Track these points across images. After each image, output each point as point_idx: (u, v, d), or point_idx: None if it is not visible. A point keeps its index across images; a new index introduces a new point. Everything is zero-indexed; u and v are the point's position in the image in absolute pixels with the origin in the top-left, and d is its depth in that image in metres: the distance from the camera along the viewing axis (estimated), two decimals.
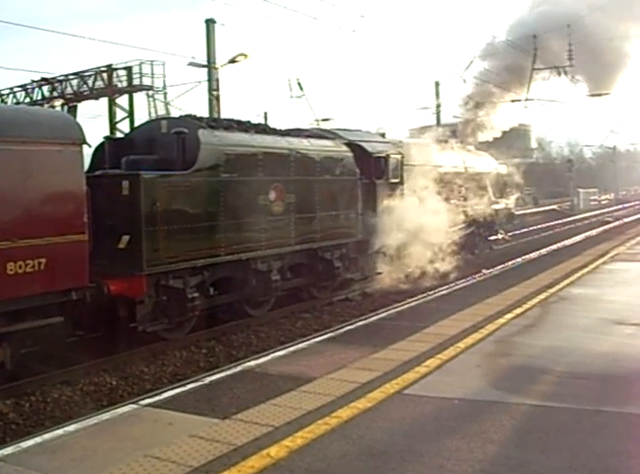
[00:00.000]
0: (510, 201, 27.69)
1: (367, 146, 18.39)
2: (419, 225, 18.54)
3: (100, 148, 13.98)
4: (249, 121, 15.98)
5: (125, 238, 11.66)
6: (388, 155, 18.75)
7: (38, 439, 6.34)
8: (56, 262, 10.13)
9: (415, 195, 19.40)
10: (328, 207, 16.40)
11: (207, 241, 13.11)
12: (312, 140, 16.75)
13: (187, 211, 12.70)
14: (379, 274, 18.69)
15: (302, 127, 19.40)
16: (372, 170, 18.03)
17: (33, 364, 10.60)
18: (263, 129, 15.84)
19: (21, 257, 9.66)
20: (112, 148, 13.86)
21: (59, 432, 6.52)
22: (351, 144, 17.79)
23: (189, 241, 12.70)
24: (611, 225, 36.96)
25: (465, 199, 23.34)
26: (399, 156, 19.23)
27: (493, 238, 26.35)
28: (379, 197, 18.06)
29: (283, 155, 15.21)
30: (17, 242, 9.62)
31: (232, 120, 15.38)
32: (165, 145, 13.22)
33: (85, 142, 10.89)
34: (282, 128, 17.08)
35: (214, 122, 14.65)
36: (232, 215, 13.53)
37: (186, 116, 15.03)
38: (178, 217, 12.46)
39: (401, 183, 19.10)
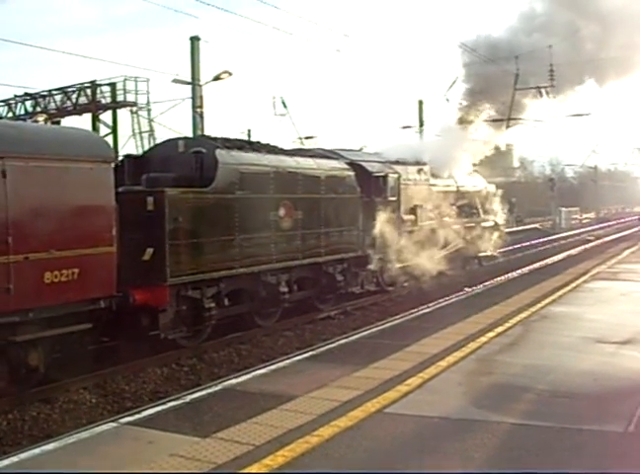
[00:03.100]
0: (498, 219, 28.19)
1: (367, 166, 19.12)
2: (414, 242, 19.94)
3: (119, 166, 14.26)
4: (259, 142, 16.72)
5: (150, 251, 12.28)
6: (387, 174, 19.54)
7: (14, 459, 6.25)
8: (88, 272, 10.79)
9: (411, 212, 20.51)
10: (331, 224, 17.19)
11: (224, 254, 13.85)
12: (317, 160, 17.48)
13: (205, 226, 13.47)
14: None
15: (307, 148, 20.52)
16: (372, 188, 18.84)
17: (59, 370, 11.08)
18: (272, 149, 16.57)
19: (57, 267, 10.30)
20: (131, 166, 14.41)
21: (36, 451, 6.43)
22: (352, 164, 18.57)
23: (207, 254, 13.45)
24: (592, 244, 37.14)
25: (457, 217, 24.02)
26: (396, 175, 20.01)
27: (482, 254, 26.83)
28: (378, 214, 18.76)
29: (292, 174, 15.98)
30: (53, 253, 10.24)
31: (242, 140, 16.17)
32: (183, 164, 13.92)
33: (115, 160, 11.72)
34: (288, 148, 17.95)
35: (228, 142, 15.30)
36: (246, 230, 14.30)
37: (201, 136, 15.73)
38: (198, 232, 13.24)
39: (398, 201, 19.87)
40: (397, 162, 21.12)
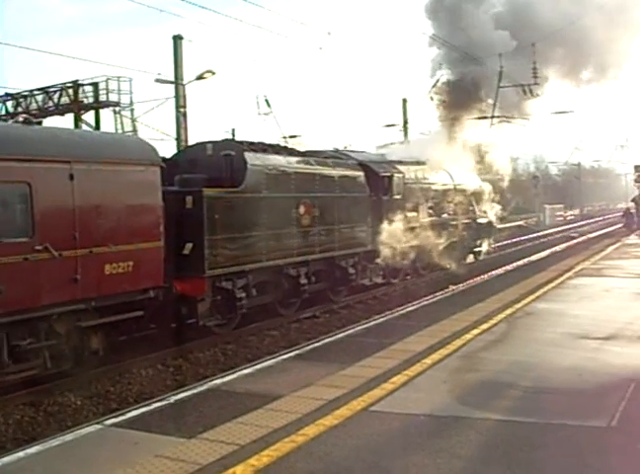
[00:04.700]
0: (492, 216, 29.31)
1: (375, 166, 20.56)
2: (417, 237, 21.63)
3: None
4: (278, 145, 18.21)
5: (189, 245, 13.55)
6: (392, 174, 20.99)
7: None
8: (140, 264, 12.04)
9: (414, 209, 21.94)
10: (344, 221, 18.57)
11: (252, 248, 15.17)
12: (331, 161, 18.91)
13: (237, 223, 14.72)
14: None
15: (319, 150, 21.23)
16: (379, 188, 20.27)
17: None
18: (291, 152, 18.23)
19: (115, 260, 11.58)
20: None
21: (20, 454, 6.40)
22: (361, 164, 20.00)
23: (238, 248, 14.74)
24: (576, 241, 37.35)
25: (454, 214, 25.43)
26: (401, 175, 21.47)
27: (477, 249, 28.21)
28: (385, 211, 20.22)
29: (310, 175, 17.44)
30: (112, 248, 11.51)
31: (264, 144, 17.41)
32: (212, 165, 15.10)
33: (162, 164, 12.83)
34: (304, 150, 19.36)
35: (252, 145, 16.48)
36: (271, 226, 15.67)
37: (226, 139, 17.13)
38: (230, 228, 14.48)
39: (403, 199, 21.32)
40: (400, 162, 22.31)
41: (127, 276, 11.78)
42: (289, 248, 16.35)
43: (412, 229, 21.32)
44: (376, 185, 20.07)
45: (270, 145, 17.56)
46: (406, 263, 21.45)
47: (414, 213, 21.94)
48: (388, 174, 20.79)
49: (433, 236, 22.65)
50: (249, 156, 15.31)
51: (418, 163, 23.49)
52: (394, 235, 20.08)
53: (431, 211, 23.44)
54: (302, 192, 16.87)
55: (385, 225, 19.95)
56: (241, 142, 16.37)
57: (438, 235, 23.04)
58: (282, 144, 21.89)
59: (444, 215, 24.54)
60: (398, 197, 21.00)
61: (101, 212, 11.41)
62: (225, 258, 14.30)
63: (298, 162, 17.28)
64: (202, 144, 16.62)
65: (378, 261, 20.00)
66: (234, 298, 14.75)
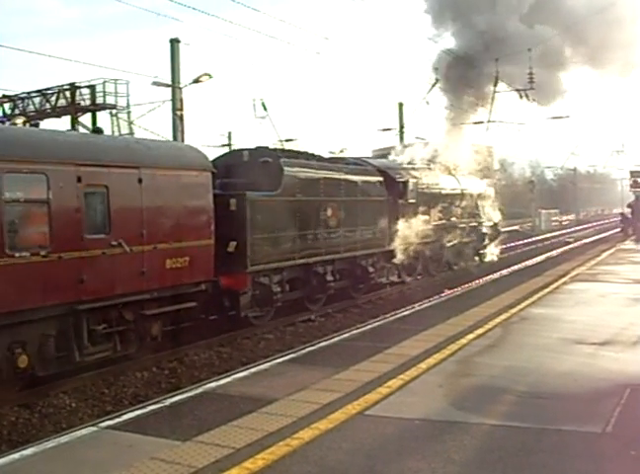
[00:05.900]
0: (496, 219, 30.34)
1: (392, 172, 21.94)
2: (429, 239, 22.89)
3: None
4: (307, 152, 19.36)
5: (233, 243, 14.77)
6: (407, 180, 22.35)
7: None
8: (195, 260, 13.38)
9: (426, 212, 22.97)
10: (365, 222, 19.94)
11: (287, 247, 16.53)
12: (353, 168, 20.33)
13: (274, 224, 16.08)
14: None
15: (342, 156, 22.92)
16: (396, 192, 21.60)
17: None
18: (319, 159, 19.54)
19: (174, 255, 12.94)
20: None
21: (15, 456, 6.39)
22: (380, 170, 21.41)
23: (275, 247, 16.11)
24: (572, 246, 37.37)
25: (462, 217, 26.57)
26: (415, 180, 22.89)
27: (483, 252, 29.32)
28: (401, 214, 21.58)
29: (336, 180, 18.83)
30: (172, 244, 12.88)
31: (294, 151, 18.91)
32: (249, 171, 16.31)
33: (213, 170, 14.21)
34: (328, 157, 21.44)
35: (284, 152, 17.97)
36: (303, 227, 17.09)
37: (261, 147, 18.01)
38: (269, 228, 15.82)
39: (416, 203, 22.67)
40: (414, 168, 23.57)
41: (184, 270, 13.11)
42: (318, 247, 17.70)
43: (424, 231, 22.37)
44: (393, 189, 21.36)
45: (297, 152, 18.95)
46: (419, 263, 22.82)
47: (426, 216, 23.14)
48: (404, 179, 22.08)
49: (443, 238, 24.31)
50: (284, 162, 16.58)
51: (429, 168, 24.66)
52: (409, 236, 21.38)
53: (440, 214, 24.58)
54: (330, 196, 18.23)
55: (401, 227, 21.21)
56: (274, 150, 17.55)
57: (447, 237, 24.52)
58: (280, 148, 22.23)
59: (453, 218, 25.70)
60: (412, 200, 22.32)
61: (163, 212, 12.79)
62: (264, 255, 15.63)
63: (325, 168, 18.50)
64: (239, 151, 17.87)
65: (395, 260, 21.19)
66: (270, 292, 16.06)
